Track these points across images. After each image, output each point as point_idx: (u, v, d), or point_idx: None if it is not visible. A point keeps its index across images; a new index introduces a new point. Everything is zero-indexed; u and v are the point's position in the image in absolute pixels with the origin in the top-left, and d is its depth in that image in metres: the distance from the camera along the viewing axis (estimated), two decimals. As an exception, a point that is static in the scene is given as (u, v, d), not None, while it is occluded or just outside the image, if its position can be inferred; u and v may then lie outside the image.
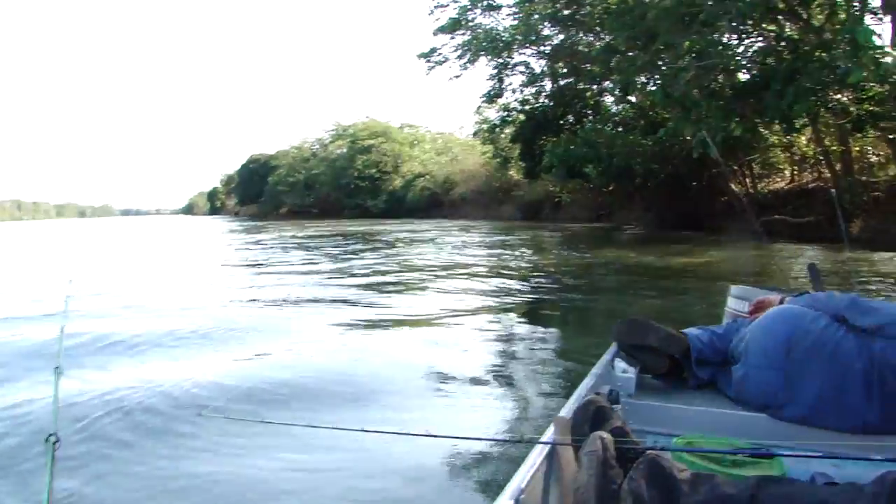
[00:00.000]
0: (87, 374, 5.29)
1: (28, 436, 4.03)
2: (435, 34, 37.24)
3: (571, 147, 29.24)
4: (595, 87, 34.13)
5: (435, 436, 2.98)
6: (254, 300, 10.08)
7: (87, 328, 6.88)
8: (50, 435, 1.81)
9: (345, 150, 74.16)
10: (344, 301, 9.85)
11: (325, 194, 72.77)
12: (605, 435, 1.86)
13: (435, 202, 52.85)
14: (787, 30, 18.64)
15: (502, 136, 41.54)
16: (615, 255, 17.20)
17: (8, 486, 3.45)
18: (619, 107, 33.08)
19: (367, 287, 11.45)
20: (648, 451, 1.79)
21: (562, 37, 34.10)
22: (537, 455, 2.12)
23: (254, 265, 16.99)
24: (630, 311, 7.94)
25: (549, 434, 2.27)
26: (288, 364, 5.78)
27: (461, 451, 3.78)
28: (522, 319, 8.48)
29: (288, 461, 3.62)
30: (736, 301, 3.57)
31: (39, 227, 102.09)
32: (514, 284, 11.66)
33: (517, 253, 18.39)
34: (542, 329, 7.69)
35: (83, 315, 7.72)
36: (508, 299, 10.05)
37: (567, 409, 2.50)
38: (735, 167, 24.32)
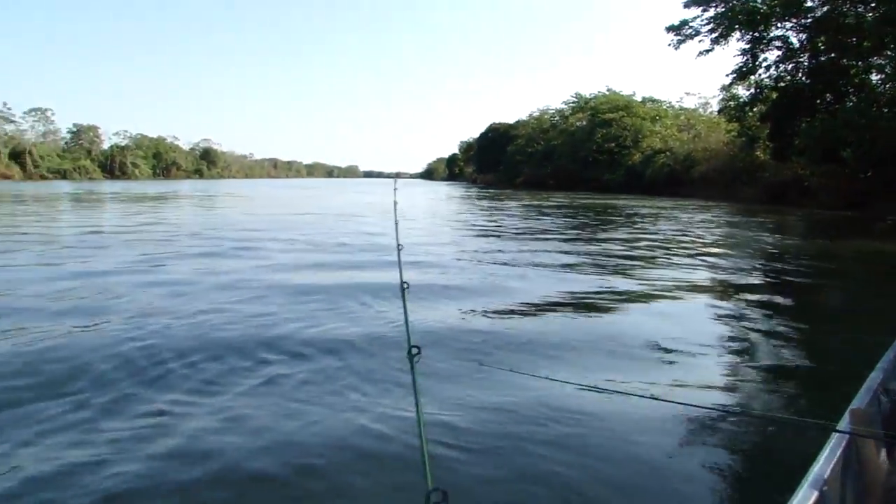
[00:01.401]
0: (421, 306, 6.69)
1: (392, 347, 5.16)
2: (686, 6, 36.39)
3: (829, 128, 27.64)
4: (861, 63, 31.55)
5: (729, 411, 3.44)
6: (520, 263, 11.08)
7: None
8: (412, 347, 1.94)
9: (584, 123, 74.40)
10: (595, 266, 10.74)
11: (562, 166, 73.31)
12: None
13: (674, 180, 51.33)
14: None
15: (750, 114, 39.68)
16: (873, 248, 16.10)
17: (384, 390, 4.25)
18: (888, 85, 30.35)
19: (620, 257, 12.15)
20: None
21: (826, 8, 32.00)
22: (835, 445, 2.02)
23: (513, 231, 17.96)
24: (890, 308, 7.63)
25: (845, 423, 2.15)
26: (545, 323, 6.57)
27: (752, 429, 3.83)
28: (772, 302, 8.46)
29: (554, 414, 3.89)
30: None
31: (308, 182, 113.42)
32: (758, 268, 11.87)
33: (758, 240, 17.54)
34: (796, 314, 7.83)
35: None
36: (752, 280, 10.34)
37: (861, 401, 2.36)
38: None
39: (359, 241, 13.80)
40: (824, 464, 1.88)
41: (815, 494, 1.73)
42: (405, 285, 2.88)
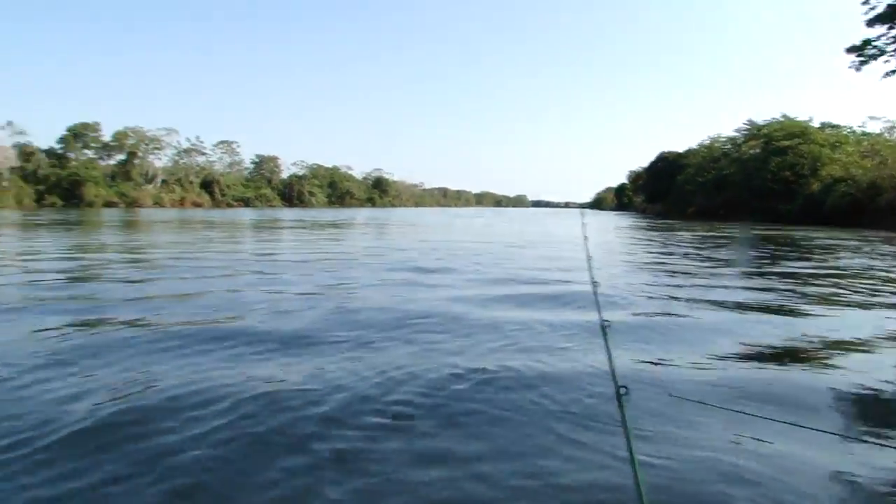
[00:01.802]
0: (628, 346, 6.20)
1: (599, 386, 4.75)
2: (869, 25, 35.03)
3: None
4: None
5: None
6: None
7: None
8: (620, 387, 1.97)
9: (758, 151, 72.39)
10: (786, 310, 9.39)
11: (733, 195, 71.64)
12: None
13: (856, 209, 48.73)
14: None
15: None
16: None
17: (590, 431, 3.91)
18: None
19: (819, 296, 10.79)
20: None
21: None
22: None
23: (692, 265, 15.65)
24: None
25: None
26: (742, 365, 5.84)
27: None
28: None
29: (765, 454, 3.60)
30: None
31: (480, 212, 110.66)
32: None
33: None
34: None
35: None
36: None
37: None
38: None
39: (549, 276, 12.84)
40: None
41: None
42: (606, 323, 2.87)
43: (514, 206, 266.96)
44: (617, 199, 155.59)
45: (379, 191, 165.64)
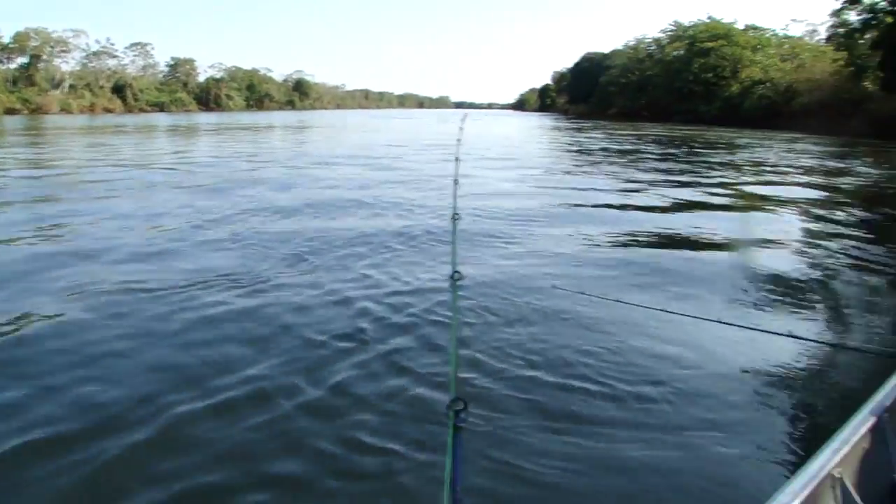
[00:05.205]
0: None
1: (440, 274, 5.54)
2: None
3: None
4: None
5: (797, 337, 3.21)
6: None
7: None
8: (454, 272, 2.03)
9: (682, 53, 71.48)
10: (687, 202, 10.65)
11: (656, 97, 71.34)
12: None
13: (773, 112, 49.13)
14: None
15: (861, 41, 37.35)
16: None
17: (426, 307, 4.62)
18: None
19: (706, 196, 11.77)
20: None
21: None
22: None
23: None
24: None
25: None
26: (620, 252, 6.66)
27: (819, 354, 3.92)
28: (867, 248, 7.74)
29: (633, 339, 4.06)
30: None
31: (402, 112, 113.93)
32: (858, 210, 11.18)
33: (864, 175, 16.84)
34: (887, 256, 7.32)
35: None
36: (849, 220, 9.84)
37: None
38: None
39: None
40: (890, 391, 1.89)
41: (873, 420, 1.76)
42: (457, 215, 3.05)
43: (436, 108, 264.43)
44: (540, 100, 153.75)
45: (299, 93, 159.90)
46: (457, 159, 4.62)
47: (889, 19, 34.00)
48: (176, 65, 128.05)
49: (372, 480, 2.62)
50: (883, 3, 34.50)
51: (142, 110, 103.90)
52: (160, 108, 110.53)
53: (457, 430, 1.26)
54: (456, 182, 4.04)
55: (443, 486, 1.12)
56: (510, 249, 6.76)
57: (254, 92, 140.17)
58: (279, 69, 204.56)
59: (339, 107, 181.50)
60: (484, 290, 5.02)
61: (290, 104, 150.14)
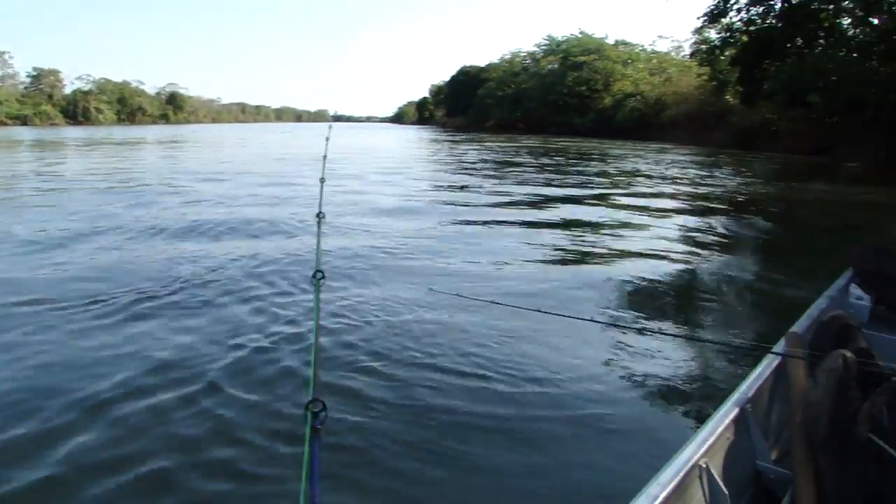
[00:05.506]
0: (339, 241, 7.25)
1: (298, 273, 5.79)
2: None
3: (797, 73, 27.51)
4: (832, 6, 31.30)
5: (661, 332, 3.57)
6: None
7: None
8: (316, 271, 1.99)
9: (556, 66, 73.56)
10: (546, 222, 10.33)
11: (532, 110, 72.80)
12: (849, 354, 1.78)
13: (643, 123, 51.59)
14: None
15: (721, 58, 39.48)
16: (834, 190, 16.54)
17: (288, 308, 4.78)
18: (858, 29, 30.18)
19: (577, 203, 12.16)
20: (894, 378, 1.70)
21: (798, -49, 31.61)
22: (766, 366, 2.16)
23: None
24: (842, 247, 7.92)
25: (780, 346, 2.30)
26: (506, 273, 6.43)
27: (687, 349, 4.07)
28: (731, 248, 8.34)
29: (489, 332, 4.24)
30: None
31: (269, 126, 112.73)
32: (721, 212, 11.74)
33: (726, 182, 17.96)
34: (754, 257, 8.04)
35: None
36: (715, 226, 10.14)
37: (799, 326, 2.52)
38: None
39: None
40: (752, 382, 2.01)
41: (736, 411, 1.85)
42: (321, 214, 3.02)
43: (315, 121, 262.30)
44: (418, 113, 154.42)
45: (173, 107, 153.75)
46: (324, 157, 4.56)
47: (745, 38, 35.96)
48: (39, 76, 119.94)
49: (228, 483, 2.61)
50: (739, 24, 36.52)
51: (2, 123, 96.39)
52: (22, 121, 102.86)
53: (315, 432, 1.20)
54: (322, 181, 3.96)
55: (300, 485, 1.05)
56: (381, 251, 7.02)
57: (125, 105, 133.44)
58: (152, 82, 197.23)
59: (214, 121, 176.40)
60: (354, 292, 5.29)
61: (164, 118, 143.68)
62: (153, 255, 6.77)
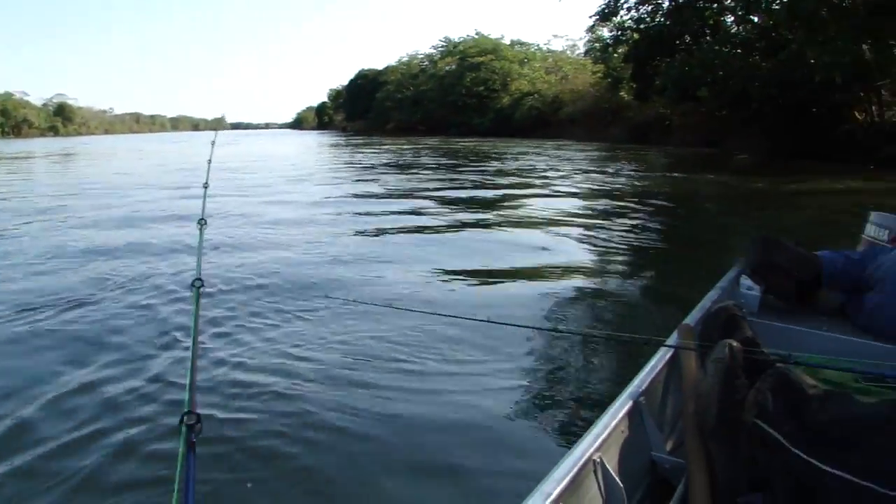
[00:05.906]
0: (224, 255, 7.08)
1: (180, 283, 5.66)
2: None
3: (686, 68, 28.26)
4: (715, 5, 32.43)
5: (558, 330, 3.58)
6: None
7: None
8: (195, 279, 1.94)
9: (454, 67, 73.78)
10: (447, 221, 10.06)
11: (431, 111, 72.77)
12: (735, 343, 1.83)
13: (542, 122, 52.27)
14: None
15: (614, 55, 40.37)
16: (724, 182, 17.03)
17: (165, 321, 4.63)
18: (740, 27, 31.36)
19: (477, 203, 12.08)
20: (778, 364, 1.76)
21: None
22: (659, 358, 2.17)
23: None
24: (733, 237, 8.38)
25: (672, 339, 2.31)
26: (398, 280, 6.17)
27: (584, 346, 4.07)
28: (628, 242, 8.36)
29: (408, 342, 4.12)
30: (875, 228, 3.30)
31: (163, 136, 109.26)
32: (618, 207, 11.71)
33: (623, 176, 18.32)
34: (649, 251, 7.95)
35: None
36: (612, 221, 10.15)
37: (692, 318, 2.55)
38: (861, 94, 22.89)
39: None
40: (646, 375, 2.01)
41: (630, 404, 1.84)
42: (203, 221, 2.90)
43: (212, 130, 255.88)
44: (318, 119, 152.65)
45: (62, 118, 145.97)
46: (209, 161, 4.29)
47: (636, 36, 36.86)
48: None
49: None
50: (629, 22, 37.39)
51: None
52: None
53: (190, 446, 1.17)
54: (206, 186, 3.76)
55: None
56: (275, 261, 6.84)
57: (9, 118, 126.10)
58: (38, 93, 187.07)
59: (107, 132, 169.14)
60: (240, 299, 5.19)
61: (53, 130, 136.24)
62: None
